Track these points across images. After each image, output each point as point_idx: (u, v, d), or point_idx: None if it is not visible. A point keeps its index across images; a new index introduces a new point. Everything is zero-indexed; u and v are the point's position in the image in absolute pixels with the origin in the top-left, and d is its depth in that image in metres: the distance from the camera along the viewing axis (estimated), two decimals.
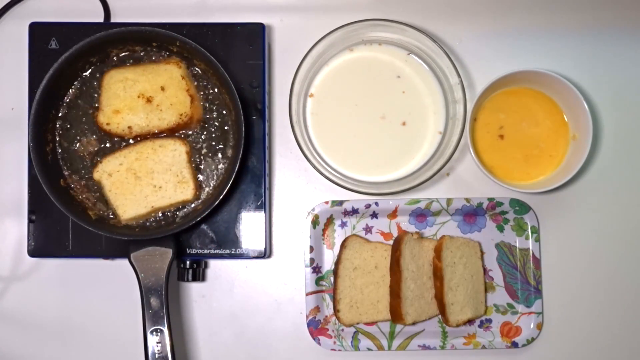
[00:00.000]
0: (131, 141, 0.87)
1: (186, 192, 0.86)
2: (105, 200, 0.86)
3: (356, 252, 0.91)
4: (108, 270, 0.93)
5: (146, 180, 0.86)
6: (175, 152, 0.86)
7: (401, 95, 0.91)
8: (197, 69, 0.88)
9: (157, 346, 0.81)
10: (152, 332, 0.82)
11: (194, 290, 0.93)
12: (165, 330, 0.82)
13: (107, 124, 0.86)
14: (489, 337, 0.92)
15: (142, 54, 0.88)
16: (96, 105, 0.87)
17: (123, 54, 0.87)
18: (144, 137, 0.87)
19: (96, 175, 0.86)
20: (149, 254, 0.83)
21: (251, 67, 0.89)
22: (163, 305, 0.82)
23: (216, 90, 0.87)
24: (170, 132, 0.87)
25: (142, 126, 0.86)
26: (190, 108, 0.86)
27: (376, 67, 0.92)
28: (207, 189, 0.87)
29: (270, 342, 0.93)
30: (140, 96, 0.86)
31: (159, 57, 0.87)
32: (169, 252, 0.84)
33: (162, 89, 0.86)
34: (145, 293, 0.82)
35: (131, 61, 0.87)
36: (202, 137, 0.88)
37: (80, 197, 0.86)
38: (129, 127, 0.86)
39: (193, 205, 0.87)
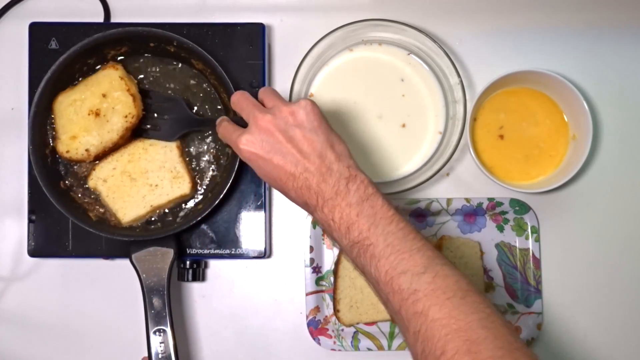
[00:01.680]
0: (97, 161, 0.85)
1: (183, 186, 0.86)
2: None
3: None
4: (108, 270, 0.93)
5: (142, 181, 0.85)
6: (166, 148, 0.86)
7: (401, 95, 0.91)
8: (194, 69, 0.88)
9: (160, 346, 0.81)
10: (155, 332, 0.82)
11: (194, 290, 0.93)
12: (168, 330, 0.82)
13: (67, 151, 0.83)
14: None
15: (85, 68, 0.86)
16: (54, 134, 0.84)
17: (119, 55, 0.87)
18: (103, 156, 0.85)
19: (91, 183, 0.85)
20: (151, 255, 0.83)
21: (251, 67, 0.89)
22: (165, 306, 0.82)
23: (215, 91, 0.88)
24: (124, 141, 0.84)
25: (97, 145, 0.82)
26: (135, 107, 0.83)
27: (376, 67, 0.92)
28: (207, 189, 0.87)
29: (270, 342, 0.93)
30: (90, 113, 0.82)
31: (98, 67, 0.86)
32: (170, 252, 0.84)
33: (104, 95, 0.83)
34: (148, 293, 0.82)
35: (80, 79, 0.85)
36: (202, 136, 0.88)
37: (80, 199, 0.86)
38: (87, 150, 0.82)
39: (193, 204, 0.87)
